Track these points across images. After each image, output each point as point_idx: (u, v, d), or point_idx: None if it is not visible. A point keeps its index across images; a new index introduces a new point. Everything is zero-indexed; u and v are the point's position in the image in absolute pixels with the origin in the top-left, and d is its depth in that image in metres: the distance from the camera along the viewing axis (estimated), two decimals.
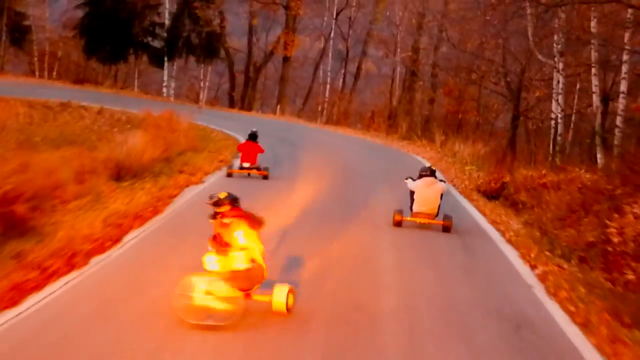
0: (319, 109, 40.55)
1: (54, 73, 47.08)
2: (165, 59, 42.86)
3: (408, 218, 10.17)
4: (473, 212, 12.49)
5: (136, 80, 47.67)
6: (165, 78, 43.29)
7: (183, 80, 52.75)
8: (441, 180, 10.93)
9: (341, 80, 44.38)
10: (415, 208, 10.13)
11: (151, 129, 17.59)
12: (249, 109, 39.58)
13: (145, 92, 44.63)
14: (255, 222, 5.80)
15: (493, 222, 11.34)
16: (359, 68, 42.50)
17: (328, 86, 40.85)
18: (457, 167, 19.38)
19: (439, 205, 10.18)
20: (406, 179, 10.50)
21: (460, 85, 28.86)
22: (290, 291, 5.84)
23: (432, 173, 10.46)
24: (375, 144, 25.66)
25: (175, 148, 16.92)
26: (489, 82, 26.41)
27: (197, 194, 11.60)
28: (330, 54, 41.14)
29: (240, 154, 14.33)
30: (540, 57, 21.95)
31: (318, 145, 22.47)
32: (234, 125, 26.45)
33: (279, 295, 5.74)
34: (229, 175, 13.98)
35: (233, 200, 5.73)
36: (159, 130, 17.61)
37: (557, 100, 20.65)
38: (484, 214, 12.13)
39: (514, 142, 24.03)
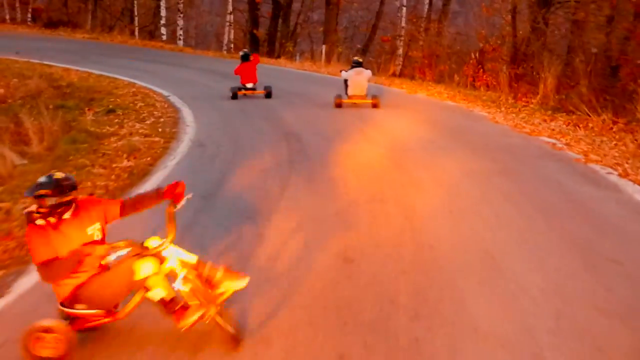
0: (394, 49, 25.53)
1: (29, 16, 34.83)
2: None
3: (346, 100, 12.51)
4: None
5: (136, 19, 34.10)
6: (163, 14, 29.39)
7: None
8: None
9: (426, 3, 28.91)
10: (349, 92, 12.55)
11: None
12: (280, 54, 25.02)
13: (143, 39, 31.25)
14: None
15: None
16: None
17: (404, 10, 25.45)
18: None
19: (367, 88, 12.61)
20: (340, 71, 13.13)
21: None
22: None
23: (359, 64, 12.52)
24: (519, 147, 10.52)
25: None
26: None
27: None
28: None
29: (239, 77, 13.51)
30: None
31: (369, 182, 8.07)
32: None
33: None
34: (234, 97, 13.22)
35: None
36: None
37: None
38: None
39: None
